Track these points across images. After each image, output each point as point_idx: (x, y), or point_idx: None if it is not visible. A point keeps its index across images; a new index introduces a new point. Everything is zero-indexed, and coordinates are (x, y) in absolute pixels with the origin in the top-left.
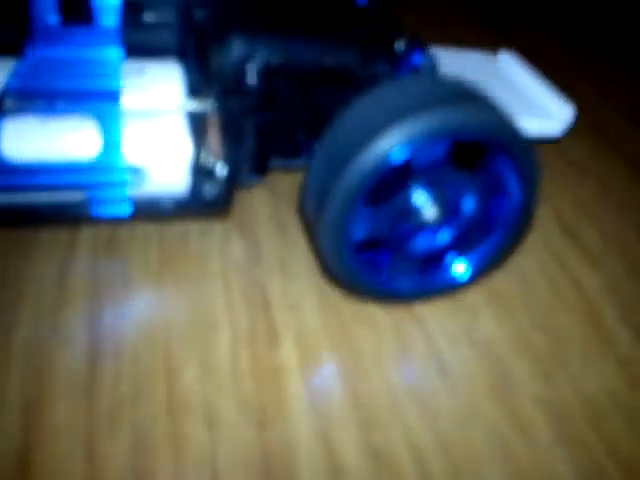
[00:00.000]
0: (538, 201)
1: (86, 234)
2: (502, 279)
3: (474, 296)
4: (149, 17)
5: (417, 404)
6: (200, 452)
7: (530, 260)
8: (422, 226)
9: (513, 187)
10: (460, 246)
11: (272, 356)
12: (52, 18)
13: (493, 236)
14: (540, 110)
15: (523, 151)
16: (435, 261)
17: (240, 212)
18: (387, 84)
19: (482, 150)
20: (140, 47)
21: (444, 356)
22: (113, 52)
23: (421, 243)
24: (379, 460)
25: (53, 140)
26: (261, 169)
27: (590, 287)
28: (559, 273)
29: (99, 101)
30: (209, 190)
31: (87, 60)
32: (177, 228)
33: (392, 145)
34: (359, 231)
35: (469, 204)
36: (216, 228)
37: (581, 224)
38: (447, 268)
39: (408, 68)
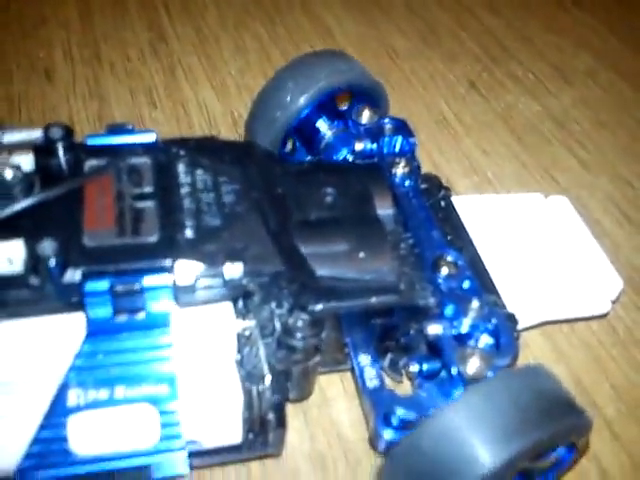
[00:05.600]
0: None
1: None
2: None
3: None
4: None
5: None
6: None
7: None
8: None
9: None
10: None
11: None
12: (106, 312)
13: None
14: (585, 285)
15: None
16: None
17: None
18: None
19: None
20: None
21: None
22: (164, 333)
23: None
24: None
25: (115, 432)
26: (308, 391)
27: None
28: None
29: (154, 387)
30: (264, 439)
31: (139, 346)
32: None
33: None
34: None
35: None
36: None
37: None
38: None
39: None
